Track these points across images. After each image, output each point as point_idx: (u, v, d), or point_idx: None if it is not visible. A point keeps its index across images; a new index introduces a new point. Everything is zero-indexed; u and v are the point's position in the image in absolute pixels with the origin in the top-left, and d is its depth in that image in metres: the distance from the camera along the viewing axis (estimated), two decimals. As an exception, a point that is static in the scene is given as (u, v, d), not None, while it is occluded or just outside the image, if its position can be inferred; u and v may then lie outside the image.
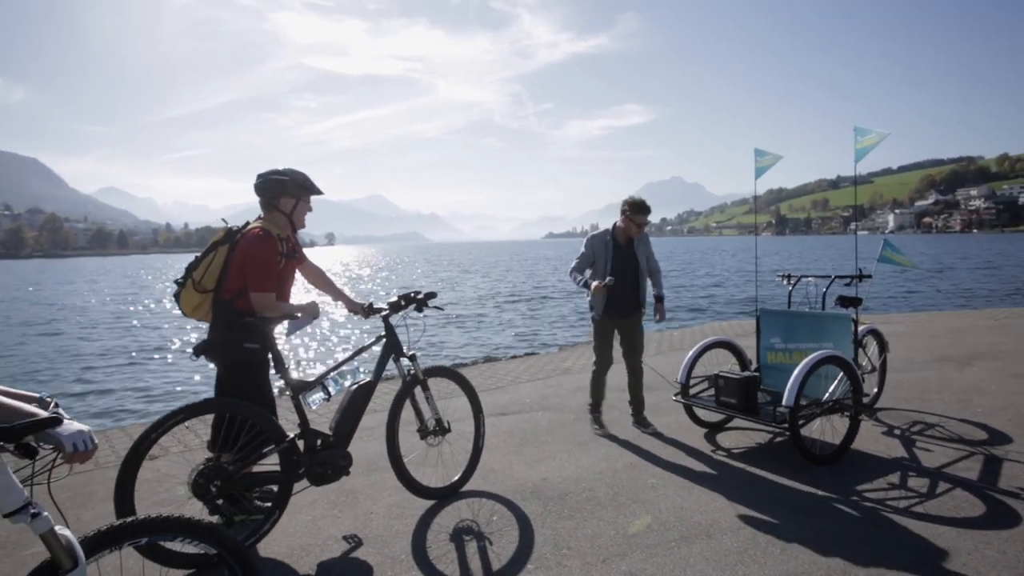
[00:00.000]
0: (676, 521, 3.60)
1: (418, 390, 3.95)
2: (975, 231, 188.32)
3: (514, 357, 9.64)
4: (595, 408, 5.46)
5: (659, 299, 5.31)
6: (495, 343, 14.67)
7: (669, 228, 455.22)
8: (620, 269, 5.18)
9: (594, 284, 5.08)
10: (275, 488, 3.48)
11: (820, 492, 3.92)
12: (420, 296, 3.88)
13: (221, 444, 3.31)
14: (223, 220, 3.51)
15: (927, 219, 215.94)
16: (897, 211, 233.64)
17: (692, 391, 5.17)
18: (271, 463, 3.49)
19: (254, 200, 3.60)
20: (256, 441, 3.30)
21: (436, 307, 4.02)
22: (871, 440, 4.83)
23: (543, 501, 3.92)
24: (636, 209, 5.18)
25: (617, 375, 6.14)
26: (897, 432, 5.02)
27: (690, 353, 5.24)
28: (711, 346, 5.29)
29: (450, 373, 4.11)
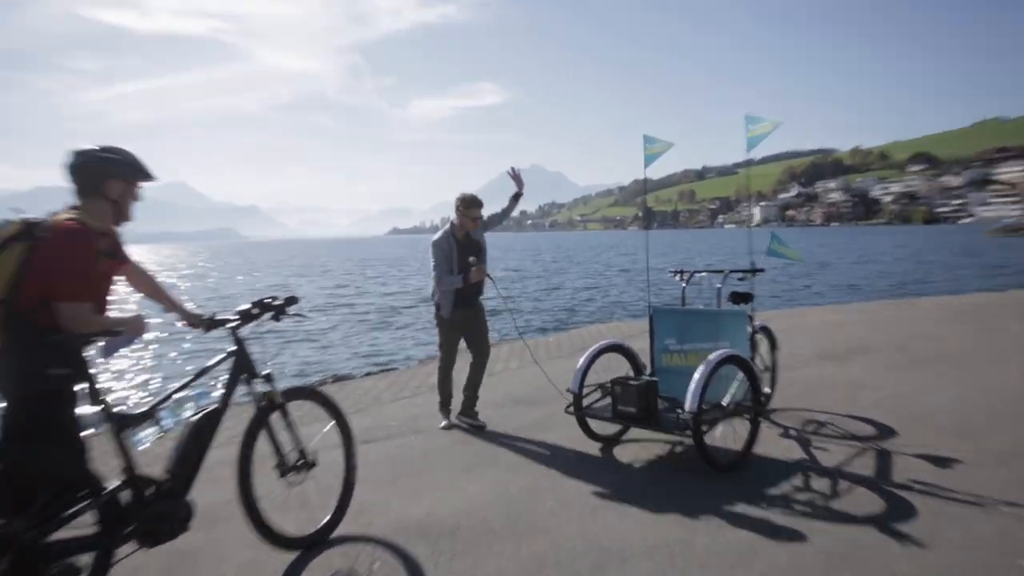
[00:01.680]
0: (584, 548, 3.69)
1: (276, 417, 3.73)
2: (834, 224, 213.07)
3: (369, 374, 9.44)
4: (443, 405, 6.18)
5: (517, 197, 6.28)
6: (343, 359, 14.31)
7: (530, 222, 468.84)
8: (465, 263, 5.90)
9: (473, 270, 5.70)
10: (90, 558, 3.11)
11: (729, 502, 4.21)
12: (278, 302, 3.68)
13: (12, 505, 2.89)
14: (15, 210, 3.08)
15: (790, 212, 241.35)
16: (762, 203, 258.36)
17: (586, 401, 5.33)
18: (85, 524, 3.11)
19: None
20: (62, 498, 2.93)
21: (299, 315, 3.86)
22: (769, 442, 5.26)
23: (431, 540, 3.86)
24: (469, 203, 5.94)
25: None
26: (793, 433, 5.52)
27: (582, 359, 5.41)
28: (604, 350, 5.49)
29: (314, 394, 3.97)
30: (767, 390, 6.25)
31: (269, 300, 3.68)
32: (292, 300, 3.72)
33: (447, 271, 5.94)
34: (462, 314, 6.08)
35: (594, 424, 5.44)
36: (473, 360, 6.25)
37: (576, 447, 5.37)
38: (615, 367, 5.74)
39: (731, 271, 5.70)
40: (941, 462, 4.71)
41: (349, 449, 4.10)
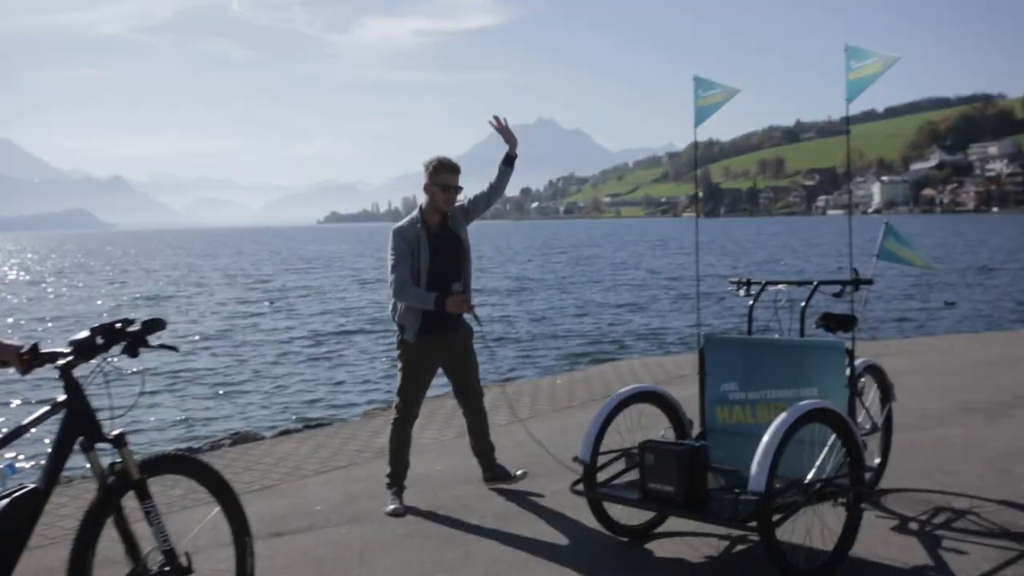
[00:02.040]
0: None
1: (129, 499, 3.76)
2: (995, 209, 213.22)
3: (288, 432, 9.49)
4: (396, 480, 6.33)
5: (510, 160, 6.56)
6: (247, 411, 14.34)
7: (536, 205, 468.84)
8: (442, 263, 6.17)
9: (451, 300, 5.88)
10: None
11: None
12: (134, 329, 3.72)
13: None
14: None
15: (928, 191, 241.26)
16: (885, 178, 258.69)
17: (602, 476, 5.35)
18: None
19: None
20: None
21: (166, 347, 3.91)
22: (877, 539, 5.28)
23: None
24: (439, 167, 6.20)
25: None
26: (913, 526, 5.53)
27: (596, 413, 5.45)
28: (629, 400, 5.53)
29: (190, 466, 4.00)
30: (876, 461, 6.27)
31: (120, 325, 3.71)
32: (155, 325, 3.75)
33: (411, 277, 6.07)
34: (437, 342, 6.22)
35: (614, 510, 5.47)
36: (463, 409, 6.53)
37: (587, 544, 5.39)
38: (648, 424, 5.77)
39: (822, 282, 5.73)
40: None
41: (243, 547, 4.12)
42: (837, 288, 5.73)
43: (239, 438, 9.00)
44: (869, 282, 5.70)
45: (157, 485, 3.84)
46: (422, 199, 6.32)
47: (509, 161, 6.48)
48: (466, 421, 6.64)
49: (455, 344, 6.35)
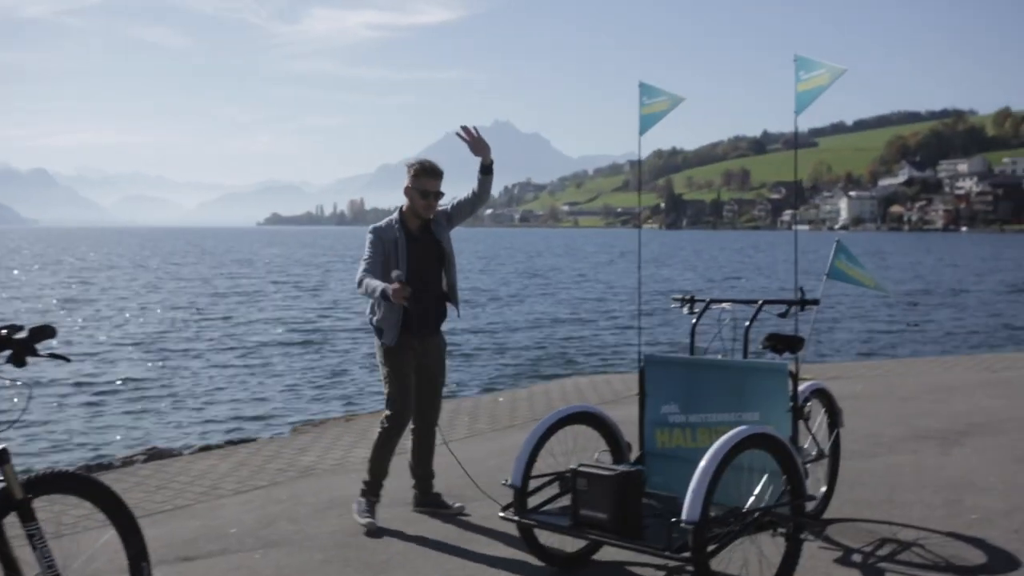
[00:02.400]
0: None
1: (10, 522, 3.68)
2: (964, 228, 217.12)
3: (208, 448, 9.40)
4: (372, 489, 6.38)
5: (486, 168, 6.48)
6: (164, 425, 14.18)
7: (490, 212, 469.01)
8: (418, 267, 6.25)
9: (392, 288, 5.83)
10: None
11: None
12: (21, 335, 3.66)
13: None
14: None
15: (897, 208, 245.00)
16: (853, 193, 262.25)
17: (533, 501, 5.33)
18: None
19: None
20: None
21: (56, 356, 3.82)
22: (817, 571, 5.31)
23: None
24: (420, 171, 6.28)
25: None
26: (857, 557, 5.57)
27: (528, 435, 5.44)
28: (563, 421, 5.53)
29: (79, 484, 3.92)
30: (822, 489, 6.33)
31: (5, 332, 3.65)
32: (43, 332, 3.70)
33: (378, 273, 6.18)
34: (415, 344, 6.31)
35: (546, 537, 5.45)
36: (415, 425, 6.50)
37: (516, 572, 5.37)
38: (587, 447, 5.76)
39: (767, 302, 5.77)
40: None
41: (140, 573, 4.05)
42: (783, 308, 5.77)
43: (154, 454, 8.90)
44: (815, 302, 5.75)
45: (46, 506, 3.78)
46: (403, 201, 6.43)
47: (487, 169, 6.47)
48: (412, 439, 6.59)
49: (431, 352, 6.40)
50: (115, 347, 23.59)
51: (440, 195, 6.37)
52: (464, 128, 6.40)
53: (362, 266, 6.27)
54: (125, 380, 18.44)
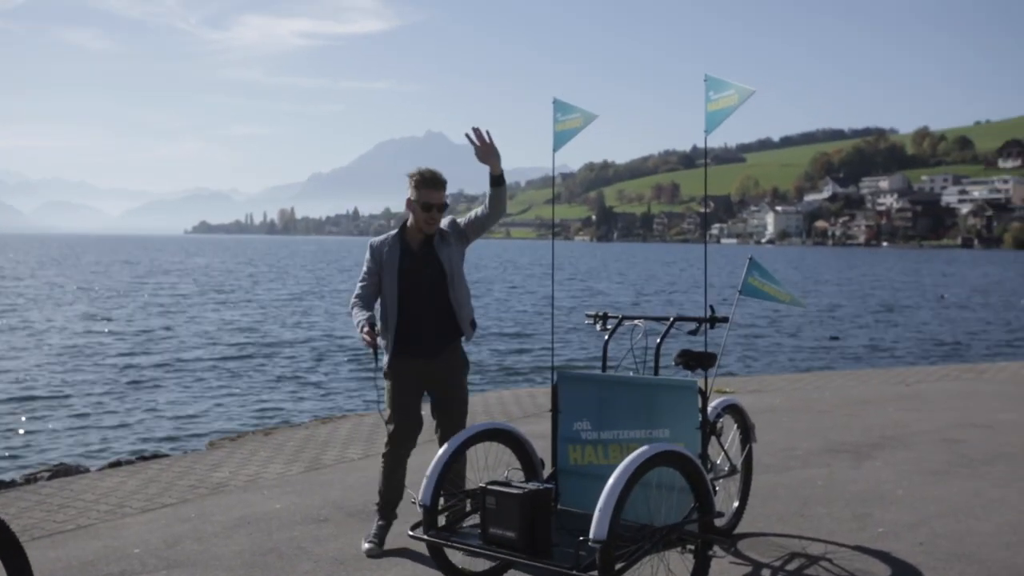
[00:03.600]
0: None
1: None
2: (885, 243, 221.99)
3: (118, 464, 9.20)
4: (386, 511, 6.19)
5: (497, 180, 6.09)
6: (83, 441, 13.90)
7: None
8: (413, 286, 6.00)
9: (362, 330, 5.81)
10: None
11: None
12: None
13: None
14: None
15: (821, 223, 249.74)
16: (779, 208, 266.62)
17: (444, 519, 5.30)
18: None
19: None
20: None
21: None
22: (727, 588, 5.36)
23: None
24: (421, 181, 5.97)
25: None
26: (766, 572, 5.65)
27: (440, 452, 5.40)
28: (476, 438, 5.50)
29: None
30: (735, 504, 6.39)
31: None
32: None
33: (370, 293, 6.07)
34: (414, 365, 6.07)
35: (457, 556, 5.41)
36: (439, 442, 6.04)
37: (426, 593, 5.32)
38: (495, 463, 5.73)
39: (678, 318, 5.81)
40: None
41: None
42: (694, 325, 5.81)
43: (59, 471, 8.66)
44: (725, 320, 5.79)
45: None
46: (408, 215, 6.12)
47: (496, 181, 6.04)
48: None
49: (437, 373, 6.11)
50: (22, 359, 23.04)
51: (444, 207, 6.05)
52: (475, 130, 6.01)
53: (356, 289, 6.10)
54: (31, 395, 17.97)
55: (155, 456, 9.94)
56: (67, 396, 17.77)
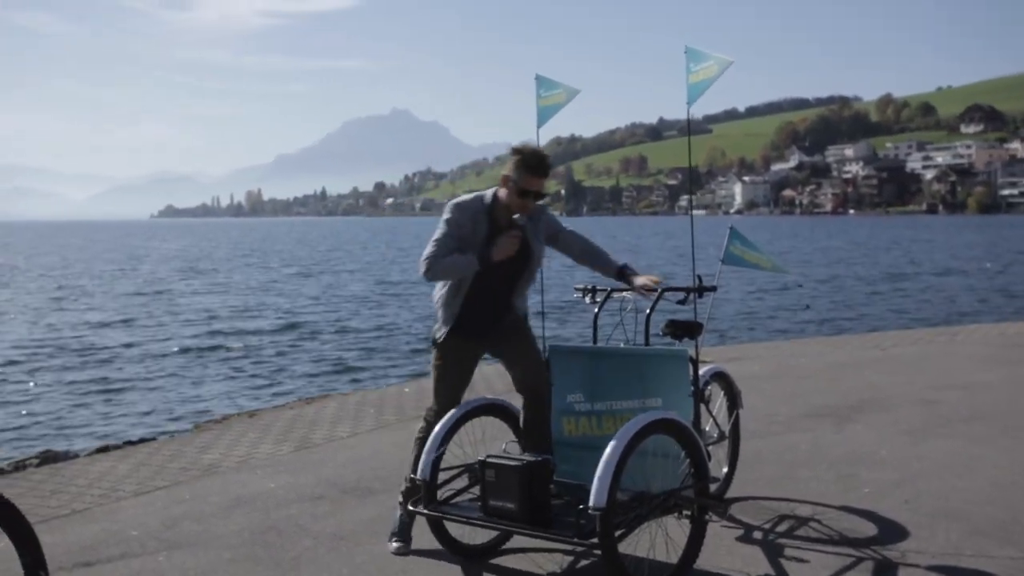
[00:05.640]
0: None
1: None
2: (852, 211, 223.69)
3: (106, 449, 9.20)
4: (407, 494, 5.57)
5: (624, 270, 5.69)
6: (68, 427, 13.87)
7: (391, 201, 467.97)
8: (495, 266, 5.44)
9: (503, 239, 5.35)
10: None
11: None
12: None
13: None
14: None
15: (788, 192, 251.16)
16: (747, 178, 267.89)
17: (442, 494, 5.36)
18: None
19: None
20: None
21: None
22: (721, 550, 5.47)
23: None
24: (530, 167, 5.41)
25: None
26: (758, 535, 5.77)
27: (437, 427, 5.45)
28: (471, 413, 5.57)
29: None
30: (724, 470, 6.50)
31: None
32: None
33: (452, 250, 5.46)
34: (471, 347, 5.68)
35: (456, 529, 5.49)
36: (525, 401, 5.71)
37: (427, 564, 5.40)
38: (493, 436, 5.80)
39: (666, 289, 5.89)
40: (971, 578, 5.04)
41: (37, 581, 3.96)
42: (681, 294, 5.89)
43: (48, 457, 8.63)
44: (712, 289, 5.87)
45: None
46: (499, 189, 5.60)
47: (623, 272, 5.71)
48: (525, 414, 5.74)
49: (501, 328, 5.65)
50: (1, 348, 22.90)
51: (541, 196, 5.55)
52: (652, 281, 5.64)
53: (431, 247, 5.45)
54: (13, 381, 17.91)
55: (142, 440, 9.95)
56: (46, 383, 17.73)
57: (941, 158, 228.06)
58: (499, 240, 5.39)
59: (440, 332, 5.69)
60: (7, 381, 17.98)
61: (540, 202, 5.62)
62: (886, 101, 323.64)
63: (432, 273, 5.49)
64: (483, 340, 5.71)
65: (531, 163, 5.44)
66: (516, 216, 5.42)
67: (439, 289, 5.68)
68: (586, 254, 5.83)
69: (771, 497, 6.49)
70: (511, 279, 5.62)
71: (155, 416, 14.57)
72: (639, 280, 5.63)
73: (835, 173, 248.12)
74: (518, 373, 5.67)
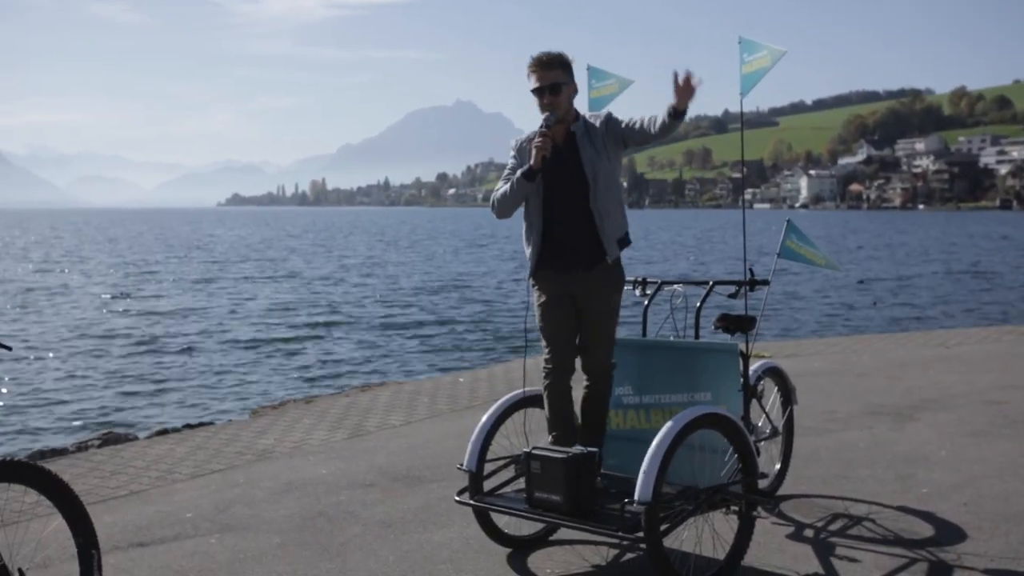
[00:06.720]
0: None
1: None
2: (921, 206, 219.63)
3: (165, 432, 9.36)
4: (560, 442, 5.39)
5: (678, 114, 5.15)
6: (132, 409, 14.12)
7: (452, 192, 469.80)
8: (555, 189, 5.27)
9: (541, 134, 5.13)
10: None
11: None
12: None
13: None
14: None
15: (856, 186, 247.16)
16: (813, 172, 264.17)
17: (489, 484, 5.37)
18: None
19: None
20: None
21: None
22: (770, 547, 5.40)
23: None
24: (529, 67, 5.28)
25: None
26: (809, 533, 5.68)
27: (483, 419, 5.46)
28: (517, 405, 5.56)
29: (21, 471, 3.88)
30: (776, 466, 6.41)
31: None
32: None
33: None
34: (563, 281, 5.34)
35: (502, 520, 5.49)
36: (585, 384, 5.50)
37: (472, 554, 5.41)
38: (536, 430, 5.79)
39: (717, 282, 5.82)
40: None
41: (89, 561, 4.02)
42: (733, 288, 5.82)
43: (109, 438, 8.81)
44: (765, 283, 5.80)
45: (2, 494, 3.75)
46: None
47: (676, 113, 5.13)
48: (583, 410, 5.54)
49: (586, 287, 5.31)
50: (69, 334, 23.37)
51: (558, 87, 5.22)
52: (687, 72, 5.04)
53: (499, 185, 5.41)
54: (80, 366, 18.30)
55: (200, 424, 10.11)
56: (110, 368, 18.08)
57: (1016, 152, 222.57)
58: (537, 138, 5.18)
59: (528, 269, 5.47)
60: (76, 366, 18.35)
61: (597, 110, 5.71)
62: (960, 94, 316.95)
63: (498, 207, 5.41)
64: (572, 275, 5.32)
65: (531, 61, 5.30)
66: (544, 116, 5.18)
67: (523, 231, 5.49)
68: (653, 128, 5.27)
69: (825, 495, 6.39)
70: (583, 202, 5.30)
71: (217, 401, 14.78)
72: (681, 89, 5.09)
73: (904, 167, 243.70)
74: (586, 354, 5.44)
